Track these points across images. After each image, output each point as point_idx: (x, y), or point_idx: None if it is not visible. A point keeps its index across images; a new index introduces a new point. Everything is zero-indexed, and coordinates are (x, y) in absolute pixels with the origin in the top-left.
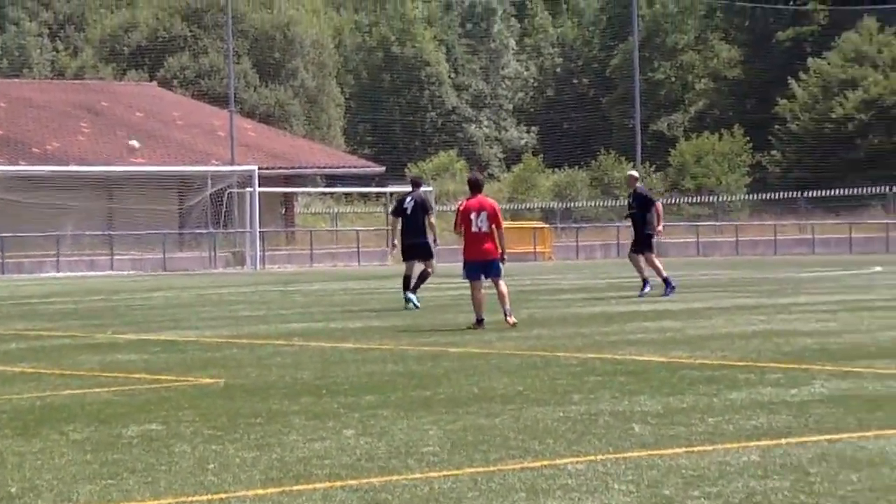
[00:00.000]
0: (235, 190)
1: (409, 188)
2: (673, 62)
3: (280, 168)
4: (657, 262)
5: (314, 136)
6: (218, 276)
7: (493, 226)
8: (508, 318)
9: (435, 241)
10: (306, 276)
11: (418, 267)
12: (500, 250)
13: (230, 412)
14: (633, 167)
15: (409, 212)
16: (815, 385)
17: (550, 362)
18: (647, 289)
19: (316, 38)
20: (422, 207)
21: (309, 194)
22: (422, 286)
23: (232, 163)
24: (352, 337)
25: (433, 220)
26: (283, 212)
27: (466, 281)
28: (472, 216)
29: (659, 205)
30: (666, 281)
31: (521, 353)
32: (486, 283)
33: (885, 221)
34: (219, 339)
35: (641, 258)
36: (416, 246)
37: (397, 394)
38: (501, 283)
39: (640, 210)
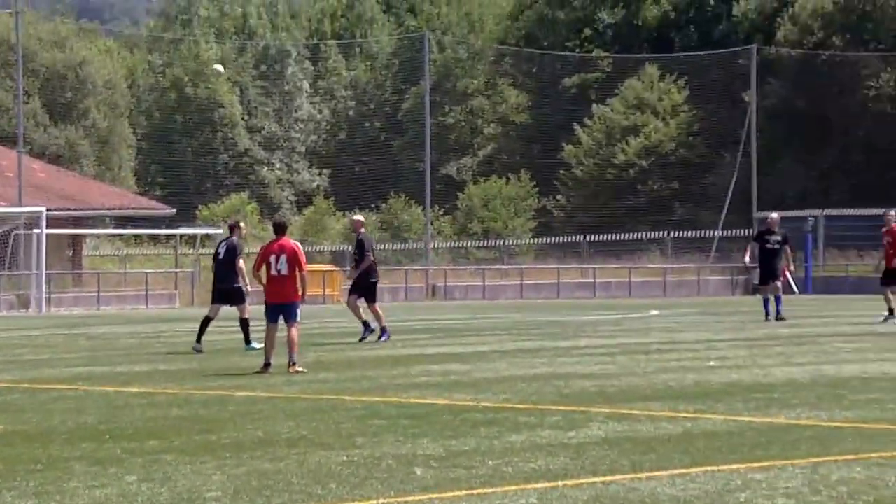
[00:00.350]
0: (22, 231)
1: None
2: (463, 107)
3: (69, 209)
4: (378, 309)
5: (105, 177)
6: (1, 319)
7: (295, 268)
8: (291, 368)
9: (246, 285)
10: (93, 320)
11: (231, 311)
12: (300, 293)
13: (9, 459)
14: (423, 211)
15: (220, 256)
16: (592, 427)
17: (336, 406)
18: (369, 335)
19: (108, 77)
20: (232, 252)
21: (98, 236)
22: (249, 331)
23: (19, 204)
24: (137, 381)
25: (241, 264)
26: (71, 254)
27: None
28: (272, 259)
29: (370, 255)
30: (378, 329)
31: (306, 397)
32: (282, 325)
33: (663, 266)
34: None
35: (361, 302)
36: (225, 290)
37: (181, 438)
38: (294, 329)
39: (361, 256)
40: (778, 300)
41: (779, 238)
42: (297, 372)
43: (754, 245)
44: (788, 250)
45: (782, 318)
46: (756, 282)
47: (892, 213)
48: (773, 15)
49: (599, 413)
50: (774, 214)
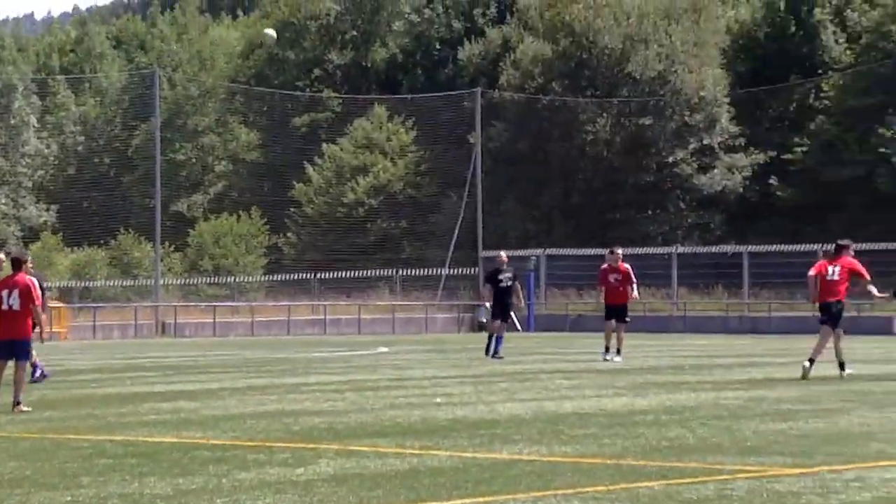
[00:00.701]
0: None
1: None
2: (194, 144)
3: None
4: None
5: None
6: None
7: (29, 304)
8: (16, 408)
9: None
10: None
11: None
12: (36, 329)
13: None
14: (153, 247)
15: None
16: (321, 464)
17: (61, 445)
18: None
19: None
20: None
21: None
22: None
23: None
24: None
25: None
26: None
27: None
28: (4, 294)
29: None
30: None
31: (31, 436)
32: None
33: (392, 303)
34: None
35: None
36: None
37: None
38: (22, 370)
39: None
40: (499, 339)
41: (509, 275)
42: (22, 411)
43: (488, 287)
44: (518, 287)
45: (500, 357)
46: (483, 319)
47: (620, 250)
48: (497, 60)
49: (328, 450)
50: (502, 253)
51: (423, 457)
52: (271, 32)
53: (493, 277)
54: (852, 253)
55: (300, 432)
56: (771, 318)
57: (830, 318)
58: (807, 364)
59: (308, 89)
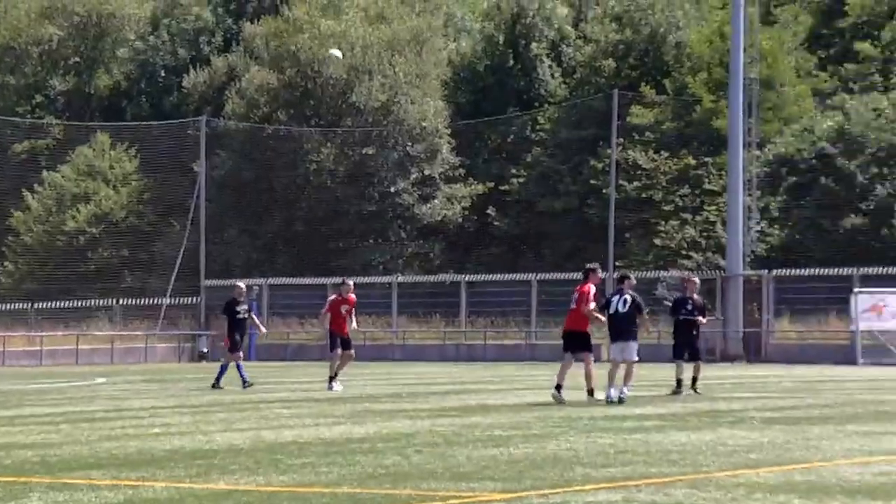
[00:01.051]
0: None
1: None
2: None
3: None
4: None
5: None
6: None
7: None
8: None
9: None
10: None
11: None
12: None
13: None
14: None
15: None
16: (32, 498)
17: None
18: None
19: None
20: None
21: None
22: None
23: None
24: None
25: None
26: None
27: None
28: None
29: None
30: None
31: None
32: None
33: (111, 333)
34: None
35: None
36: None
37: None
38: None
39: None
40: (232, 367)
41: (245, 307)
42: None
43: (225, 318)
44: (254, 317)
45: (250, 385)
46: (204, 349)
47: (351, 282)
48: (222, 88)
49: (40, 483)
50: (241, 284)
51: (139, 488)
52: (337, 53)
53: (230, 308)
54: (599, 276)
55: (11, 465)
56: (486, 346)
57: (567, 345)
58: (583, 392)
59: (28, 115)
